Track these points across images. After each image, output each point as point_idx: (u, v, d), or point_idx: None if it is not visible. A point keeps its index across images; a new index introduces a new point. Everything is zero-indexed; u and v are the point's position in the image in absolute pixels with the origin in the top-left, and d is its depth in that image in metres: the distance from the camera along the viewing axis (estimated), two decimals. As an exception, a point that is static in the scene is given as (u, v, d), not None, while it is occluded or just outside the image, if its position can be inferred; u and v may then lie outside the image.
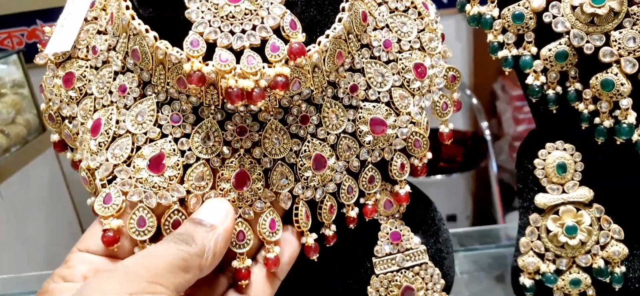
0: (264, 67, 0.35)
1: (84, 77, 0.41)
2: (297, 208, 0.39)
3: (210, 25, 0.35)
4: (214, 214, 0.36)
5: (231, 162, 0.38)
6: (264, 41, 0.35)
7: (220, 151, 0.38)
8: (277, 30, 0.36)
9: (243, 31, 0.35)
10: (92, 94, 0.41)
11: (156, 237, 0.38)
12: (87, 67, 0.42)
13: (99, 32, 0.42)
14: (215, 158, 0.38)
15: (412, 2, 0.43)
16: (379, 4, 0.42)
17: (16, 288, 0.74)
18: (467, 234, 0.73)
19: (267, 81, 0.35)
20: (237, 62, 0.35)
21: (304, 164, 0.39)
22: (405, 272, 0.44)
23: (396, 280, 0.44)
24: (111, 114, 0.39)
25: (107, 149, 0.39)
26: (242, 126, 0.38)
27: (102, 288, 0.30)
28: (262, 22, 0.35)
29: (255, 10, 0.35)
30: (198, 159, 0.38)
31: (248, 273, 0.38)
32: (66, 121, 0.42)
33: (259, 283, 0.39)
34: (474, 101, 1.81)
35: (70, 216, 2.03)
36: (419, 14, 0.43)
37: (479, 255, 0.69)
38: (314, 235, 0.41)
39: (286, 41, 0.35)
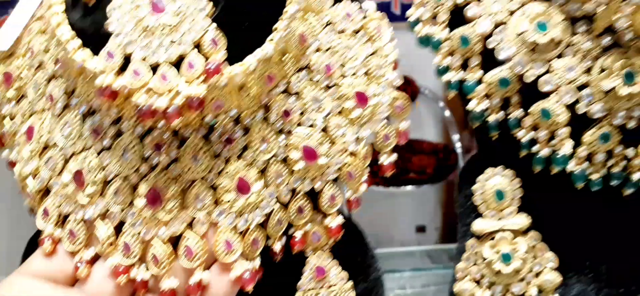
0: (179, 85, 0.33)
1: (22, 77, 0.40)
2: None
3: (129, 36, 0.33)
4: None
5: (147, 179, 0.36)
6: (182, 57, 0.33)
7: (138, 167, 0.36)
8: (199, 46, 0.34)
9: (161, 45, 0.33)
10: (27, 96, 0.40)
11: None
12: (25, 67, 0.40)
13: (41, 32, 0.41)
14: (133, 173, 0.36)
15: (362, 25, 0.41)
16: (326, 24, 0.40)
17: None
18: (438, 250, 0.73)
19: (182, 100, 0.33)
20: (153, 76, 0.33)
21: (225, 185, 0.37)
22: None
23: None
24: (44, 121, 0.38)
25: (39, 157, 0.38)
26: (160, 141, 0.36)
27: None
28: (182, 37, 0.33)
29: (177, 24, 0.34)
30: (117, 174, 0.36)
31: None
32: (6, 119, 0.41)
33: None
34: (447, 113, 1.82)
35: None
36: (370, 38, 0.41)
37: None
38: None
39: (207, 58, 0.33)
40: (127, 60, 0.33)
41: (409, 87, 2.00)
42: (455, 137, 1.91)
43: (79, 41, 0.35)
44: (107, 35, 0.34)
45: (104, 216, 0.37)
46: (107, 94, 0.33)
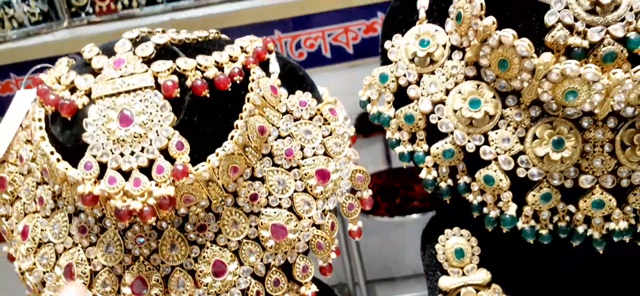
0: (151, 186, 0.37)
1: (14, 182, 0.45)
2: None
3: (103, 148, 0.38)
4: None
5: (131, 269, 0.41)
6: (152, 162, 0.38)
7: (122, 259, 0.41)
8: (166, 150, 0.38)
9: (132, 153, 0.38)
10: (21, 198, 0.44)
11: None
12: (16, 173, 0.45)
13: (27, 141, 0.45)
14: (117, 265, 0.41)
15: (318, 110, 0.45)
16: (284, 114, 0.45)
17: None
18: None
19: (155, 201, 0.37)
20: (126, 181, 0.38)
21: (203, 270, 0.41)
22: None
23: None
24: (37, 222, 0.43)
25: (34, 254, 0.43)
26: (140, 234, 0.41)
27: None
28: (151, 144, 0.38)
29: (144, 133, 0.38)
30: (103, 266, 0.41)
31: None
32: (2, 219, 0.46)
33: None
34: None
35: None
36: (325, 120, 0.45)
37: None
38: None
39: (174, 161, 0.38)
40: (103, 168, 0.38)
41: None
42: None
43: (58, 155, 0.40)
44: (84, 147, 0.39)
45: None
46: (88, 201, 0.38)
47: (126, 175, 0.38)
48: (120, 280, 0.41)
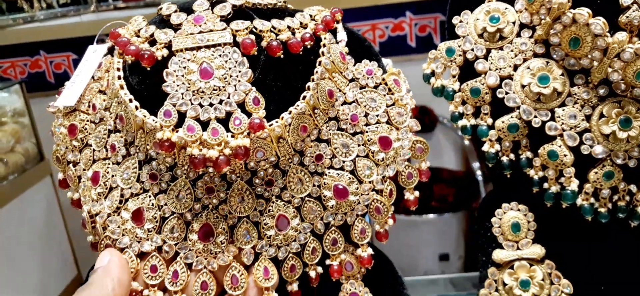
0: (228, 137, 0.39)
1: (85, 129, 0.47)
2: (257, 265, 0.43)
3: (183, 98, 0.40)
4: (109, 263, 0.42)
5: (200, 217, 0.42)
6: (229, 114, 0.40)
7: (192, 207, 0.42)
8: (242, 105, 0.40)
9: (211, 104, 0.40)
10: (91, 145, 0.46)
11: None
12: (87, 121, 0.47)
13: (100, 91, 0.47)
14: (187, 213, 0.42)
15: (383, 79, 0.47)
16: (351, 80, 0.46)
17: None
18: (461, 278, 0.76)
19: (230, 151, 0.39)
20: (204, 131, 0.39)
21: (268, 223, 0.43)
22: None
23: None
24: (108, 168, 0.45)
25: (105, 198, 0.44)
26: (210, 185, 0.42)
27: None
28: (229, 97, 0.40)
29: (223, 87, 0.40)
30: (172, 213, 0.42)
31: None
32: (70, 165, 0.47)
33: None
34: (466, 141, 1.86)
35: (64, 245, 2.05)
36: (389, 90, 0.47)
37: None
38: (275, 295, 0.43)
39: (250, 115, 0.40)
40: (181, 117, 0.39)
41: (428, 117, 2.04)
42: (476, 165, 1.93)
43: (137, 103, 0.41)
44: (162, 96, 0.40)
45: (159, 249, 0.43)
46: (165, 146, 0.39)
47: (203, 125, 0.40)
48: (188, 227, 0.43)
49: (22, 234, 1.79)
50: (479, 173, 1.82)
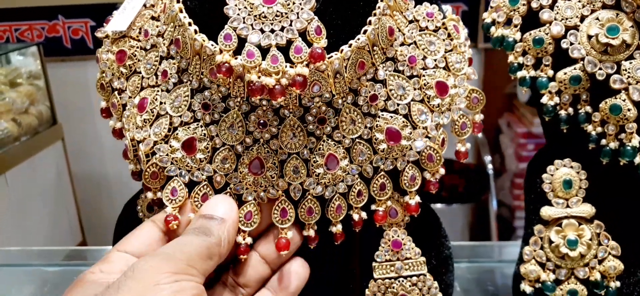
0: (286, 67, 0.38)
1: (134, 56, 0.46)
2: (303, 202, 0.43)
3: (244, 22, 0.39)
4: (221, 209, 0.41)
5: (251, 150, 0.42)
6: (289, 42, 0.39)
7: (243, 139, 0.42)
8: (303, 34, 0.39)
9: (272, 31, 0.39)
10: (140, 73, 0.45)
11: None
12: (137, 48, 0.46)
13: (152, 18, 0.46)
14: (238, 145, 0.42)
15: (443, 24, 0.46)
16: (410, 21, 0.45)
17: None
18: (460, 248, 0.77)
19: (288, 80, 0.38)
20: (264, 59, 0.38)
21: (317, 161, 0.42)
22: (402, 281, 0.46)
23: (393, 287, 0.46)
24: (156, 95, 0.44)
25: (150, 126, 0.43)
26: (263, 119, 0.41)
27: (150, 265, 0.35)
28: (290, 25, 0.39)
29: (285, 13, 0.39)
30: (224, 144, 0.42)
31: (247, 249, 0.42)
32: (115, 92, 0.46)
33: (255, 263, 0.43)
34: (479, 134, 1.85)
35: (71, 211, 2.05)
36: (449, 35, 0.46)
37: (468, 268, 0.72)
38: (313, 229, 0.44)
39: (310, 45, 0.39)
40: (241, 43, 0.39)
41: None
42: (487, 158, 1.93)
43: (196, 27, 0.41)
44: (222, 21, 0.39)
45: (209, 180, 0.42)
46: (224, 71, 0.39)
47: (263, 52, 0.39)
48: (239, 159, 0.42)
49: (31, 196, 1.80)
50: (490, 166, 1.82)
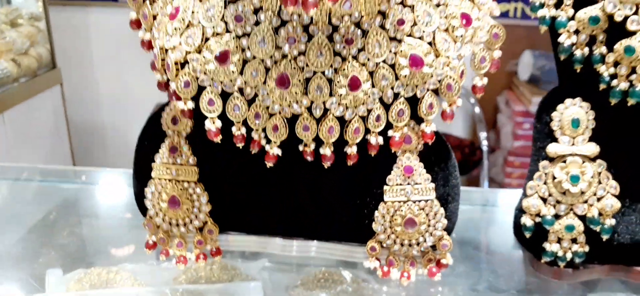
0: None
1: None
2: (324, 120, 0.45)
3: None
4: None
5: (279, 65, 0.43)
6: None
7: (272, 54, 0.43)
8: None
9: None
10: None
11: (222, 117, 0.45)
12: None
13: None
14: (268, 58, 0.43)
15: None
16: None
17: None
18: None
19: None
20: None
21: (340, 81, 0.43)
22: (411, 204, 0.49)
23: (402, 210, 0.49)
24: (189, 3, 0.44)
25: (181, 34, 0.44)
26: (292, 35, 0.43)
27: None
28: None
29: None
30: (254, 57, 0.43)
31: (276, 157, 0.47)
32: (147, 2, 0.47)
33: None
34: (477, 110, 1.88)
35: (67, 156, 2.04)
36: None
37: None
38: (330, 149, 0.46)
39: None
40: None
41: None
42: (482, 134, 1.95)
43: None
44: None
45: (240, 91, 0.44)
46: None
47: None
48: (268, 73, 0.44)
49: (27, 137, 1.79)
50: (485, 142, 1.85)
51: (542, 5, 0.48)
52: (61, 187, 0.82)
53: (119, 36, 2.05)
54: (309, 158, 0.47)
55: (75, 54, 2.13)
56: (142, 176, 0.53)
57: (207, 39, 0.44)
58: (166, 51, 0.45)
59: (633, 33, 0.45)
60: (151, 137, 0.53)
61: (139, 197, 0.55)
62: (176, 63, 0.45)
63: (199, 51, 0.44)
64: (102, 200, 0.83)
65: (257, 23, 0.43)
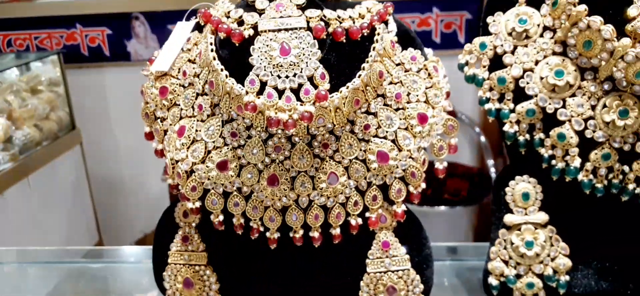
0: (297, 105, 0.48)
1: (174, 91, 0.56)
2: (310, 210, 0.53)
3: (265, 70, 0.49)
4: None
5: (269, 168, 0.52)
6: (300, 86, 0.49)
7: (263, 159, 0.52)
8: (311, 79, 0.49)
9: (287, 76, 0.49)
10: (179, 105, 0.56)
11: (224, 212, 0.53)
12: (177, 84, 0.56)
13: (189, 61, 0.57)
14: (259, 163, 0.52)
15: (424, 65, 0.56)
16: (397, 64, 0.55)
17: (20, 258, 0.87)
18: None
19: (298, 115, 0.48)
20: (280, 99, 0.48)
21: (321, 177, 0.52)
22: (391, 274, 0.57)
23: (383, 280, 0.57)
24: (193, 124, 0.54)
25: (187, 149, 0.54)
26: (278, 144, 0.52)
27: None
28: (301, 72, 0.49)
29: (297, 63, 0.49)
30: (248, 163, 0.52)
31: (276, 241, 0.55)
32: (158, 120, 0.57)
33: None
34: (482, 139, 1.93)
35: (89, 212, 2.13)
36: (429, 74, 0.55)
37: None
38: (318, 232, 0.54)
39: (316, 87, 0.49)
40: (262, 86, 0.49)
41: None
42: (490, 162, 2.00)
43: (227, 72, 0.51)
44: (247, 68, 0.50)
45: (238, 190, 0.53)
46: (249, 108, 0.49)
47: (279, 93, 0.49)
48: (260, 174, 0.53)
49: (51, 198, 1.88)
50: (492, 170, 1.89)
51: (488, 100, 0.57)
52: (89, 267, 0.87)
53: (133, 93, 2.15)
54: (298, 244, 0.55)
55: (93, 113, 2.22)
56: (160, 261, 0.62)
57: (209, 152, 0.53)
58: (176, 161, 0.54)
59: (563, 122, 0.53)
60: (166, 228, 0.63)
61: (158, 279, 0.64)
62: (185, 173, 0.54)
63: (203, 162, 0.53)
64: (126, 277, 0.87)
65: (249, 137, 0.52)
